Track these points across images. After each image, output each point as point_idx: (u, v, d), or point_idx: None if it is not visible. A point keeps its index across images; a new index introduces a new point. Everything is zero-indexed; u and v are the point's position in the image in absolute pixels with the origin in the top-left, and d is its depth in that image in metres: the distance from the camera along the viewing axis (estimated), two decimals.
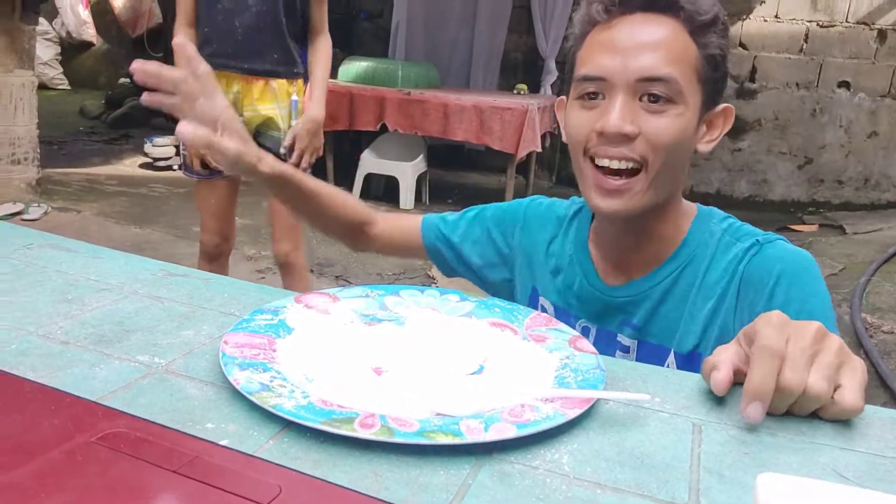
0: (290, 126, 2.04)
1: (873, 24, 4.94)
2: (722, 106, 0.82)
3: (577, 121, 0.79)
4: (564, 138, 0.84)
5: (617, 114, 0.74)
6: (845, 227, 4.28)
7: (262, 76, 1.99)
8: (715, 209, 0.88)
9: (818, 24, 5.04)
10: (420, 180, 4.84)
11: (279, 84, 2.02)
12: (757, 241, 0.81)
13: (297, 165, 2.03)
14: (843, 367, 0.53)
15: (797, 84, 5.15)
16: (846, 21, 4.98)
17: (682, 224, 0.85)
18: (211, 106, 0.73)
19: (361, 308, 0.69)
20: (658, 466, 0.46)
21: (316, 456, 0.45)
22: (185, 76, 0.73)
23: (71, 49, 8.85)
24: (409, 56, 5.95)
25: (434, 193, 5.02)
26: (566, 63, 0.84)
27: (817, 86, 5.11)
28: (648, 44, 0.74)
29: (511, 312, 0.69)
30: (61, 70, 8.77)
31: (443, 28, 6.07)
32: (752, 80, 5.23)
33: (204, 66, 0.74)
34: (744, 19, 5.15)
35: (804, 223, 4.70)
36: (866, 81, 5.01)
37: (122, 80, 8.00)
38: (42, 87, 5.21)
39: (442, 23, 6.04)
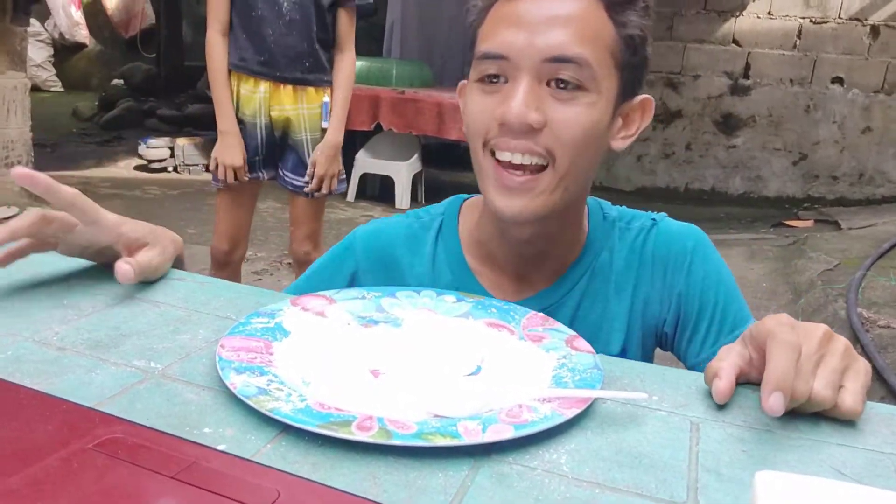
0: (318, 129, 2.10)
1: (866, 19, 4.96)
2: (640, 97, 0.73)
3: (475, 107, 0.70)
4: (465, 128, 0.74)
5: (520, 100, 0.65)
6: (840, 223, 4.29)
7: (291, 83, 2.04)
8: (599, 199, 0.82)
9: (811, 21, 5.05)
10: (415, 180, 4.84)
11: (307, 90, 2.07)
12: (652, 219, 0.80)
13: (318, 191, 2.11)
14: (847, 370, 0.53)
15: (791, 80, 5.16)
16: (839, 17, 5.00)
17: (585, 224, 0.80)
18: (96, 231, 0.67)
19: (358, 310, 0.69)
20: (656, 465, 0.46)
21: (314, 459, 0.44)
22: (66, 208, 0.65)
23: (64, 50, 8.82)
24: (404, 55, 5.94)
25: (429, 192, 5.02)
26: (469, 39, 0.74)
27: (811, 82, 5.13)
28: (558, 19, 0.65)
29: (507, 313, 0.69)
30: (54, 72, 8.75)
31: (437, 27, 6.07)
32: (746, 76, 5.24)
33: (70, 193, 0.66)
34: (737, 16, 5.16)
35: (799, 219, 4.72)
36: (860, 77, 5.03)
37: (116, 81, 7.99)
38: (35, 89, 5.18)
39: (436, 22, 6.04)
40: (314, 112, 2.09)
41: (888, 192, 5.14)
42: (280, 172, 2.16)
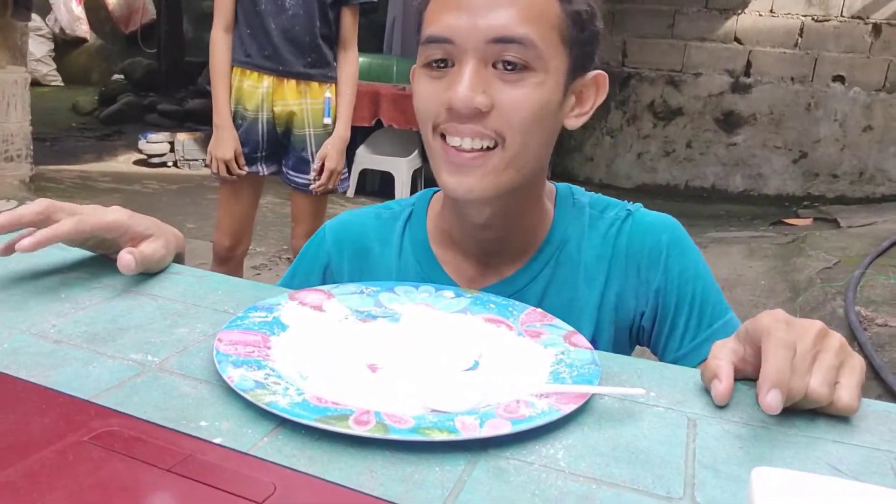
0: (320, 125, 2.11)
1: (868, 18, 4.95)
2: (592, 73, 0.71)
3: (423, 93, 0.69)
4: (416, 114, 0.73)
5: (466, 84, 0.64)
6: (840, 221, 4.29)
7: (294, 77, 2.05)
8: (572, 185, 0.82)
9: (813, 19, 5.05)
10: (415, 176, 4.83)
11: (311, 85, 2.08)
12: (627, 210, 0.79)
13: (325, 186, 2.13)
14: (843, 366, 0.53)
15: (792, 78, 5.16)
16: (841, 15, 4.99)
17: (549, 207, 0.78)
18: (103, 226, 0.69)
19: (356, 305, 0.69)
20: (653, 461, 0.46)
21: (311, 453, 0.44)
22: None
23: (64, 45, 8.81)
24: (405, 52, 5.94)
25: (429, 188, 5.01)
26: (416, 24, 0.73)
27: (812, 80, 5.13)
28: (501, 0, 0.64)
29: (506, 308, 0.69)
30: (54, 66, 8.74)
31: None
32: (747, 74, 5.24)
33: (87, 226, 0.68)
34: (739, 14, 5.15)
35: (799, 217, 4.72)
36: (861, 75, 5.03)
37: (116, 76, 7.98)
38: (35, 83, 5.18)
39: None
40: (317, 107, 2.10)
41: (888, 190, 5.13)
42: (283, 169, 2.17)
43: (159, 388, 0.51)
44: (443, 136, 0.69)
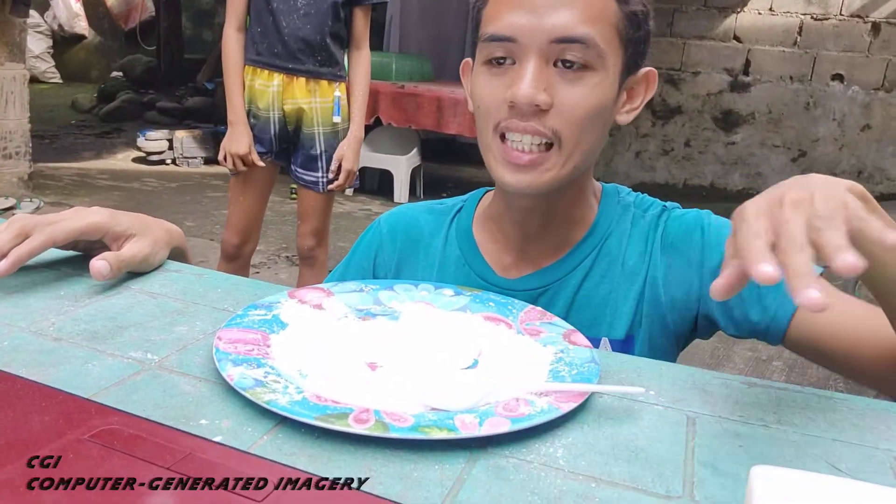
0: (329, 123, 2.12)
1: (867, 16, 4.95)
2: (644, 70, 0.73)
3: (484, 90, 0.71)
4: (471, 107, 0.76)
5: (528, 82, 0.66)
6: None
7: (304, 76, 2.07)
8: (619, 185, 0.83)
9: (812, 17, 5.05)
10: (414, 174, 4.83)
11: (320, 83, 2.10)
12: (664, 206, 0.80)
13: (342, 186, 2.15)
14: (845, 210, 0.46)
15: (791, 77, 5.16)
16: (840, 14, 4.99)
17: (593, 203, 0.80)
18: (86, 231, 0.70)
19: (355, 303, 0.69)
20: (652, 459, 0.46)
21: (310, 451, 0.44)
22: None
23: (63, 42, 8.79)
24: (403, 49, 5.93)
25: (428, 187, 5.02)
26: (472, 21, 0.75)
27: (811, 79, 5.12)
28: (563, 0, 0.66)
29: (505, 306, 0.69)
30: (53, 63, 8.72)
31: (437, 21, 6.05)
32: (746, 73, 5.23)
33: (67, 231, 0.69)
34: (738, 12, 5.15)
35: None
36: (860, 74, 5.03)
37: (115, 73, 7.96)
38: (33, 80, 5.17)
39: (436, 16, 6.03)
40: (327, 106, 2.11)
41: (886, 189, 5.14)
42: (291, 167, 2.18)
43: (159, 386, 0.51)
44: (502, 137, 0.70)
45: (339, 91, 2.12)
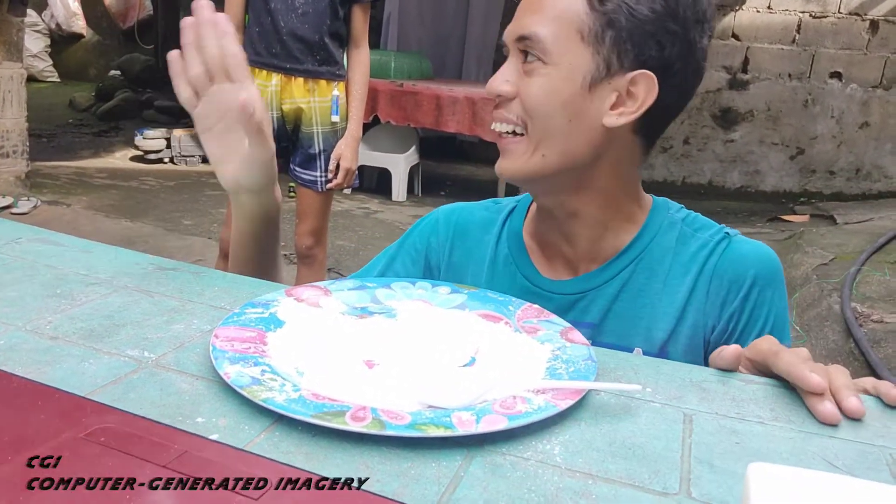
0: (328, 123, 2.12)
1: (865, 14, 4.95)
2: (635, 73, 0.71)
3: None
4: None
5: (498, 74, 0.75)
6: (836, 218, 4.29)
7: (302, 75, 2.06)
8: (670, 200, 0.85)
9: (811, 15, 5.05)
10: (412, 172, 4.83)
11: (319, 83, 2.09)
12: (726, 233, 0.80)
13: (341, 185, 2.15)
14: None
15: (789, 75, 5.16)
16: (838, 12, 4.99)
17: (637, 215, 0.81)
18: (233, 93, 0.70)
19: (353, 301, 0.69)
20: (649, 457, 0.46)
21: (307, 449, 0.44)
22: (223, 46, 0.71)
23: (60, 41, 8.77)
24: (402, 47, 5.92)
25: (426, 185, 5.01)
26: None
27: (809, 77, 5.13)
28: (531, 5, 0.74)
29: (503, 304, 0.69)
30: (51, 62, 8.70)
31: (436, 19, 6.04)
32: (745, 71, 5.24)
33: (237, 49, 0.72)
34: (736, 10, 5.15)
35: (795, 213, 4.72)
36: (858, 72, 5.03)
37: (113, 72, 7.95)
38: (31, 79, 5.16)
39: (435, 14, 6.02)
40: (325, 105, 2.11)
41: (884, 187, 5.14)
42: (290, 166, 2.18)
43: (156, 384, 0.51)
44: None
45: (337, 90, 2.12)
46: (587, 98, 0.72)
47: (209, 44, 0.70)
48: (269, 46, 2.02)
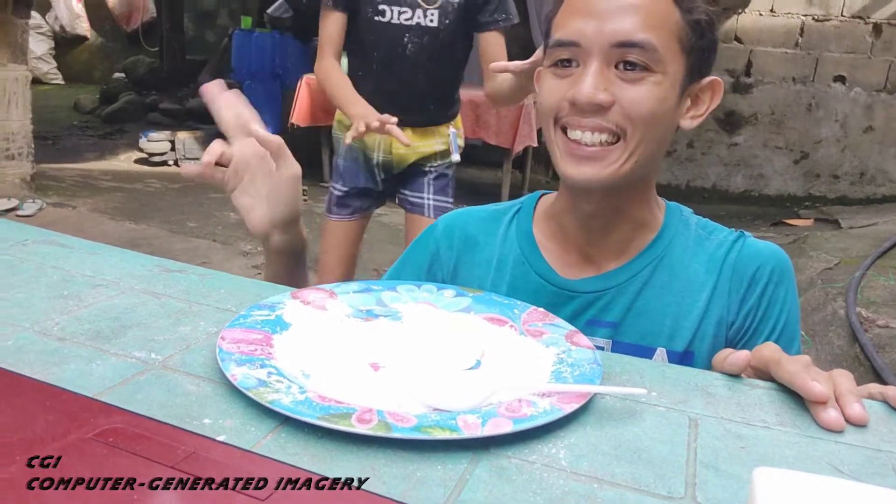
0: (446, 161, 1.91)
1: (869, 18, 4.95)
2: (708, 79, 0.77)
3: (548, 89, 0.75)
4: (538, 108, 0.80)
5: (590, 82, 0.70)
6: (840, 222, 4.29)
7: (416, 126, 1.81)
8: (682, 205, 0.86)
9: (814, 19, 5.04)
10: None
11: (436, 128, 1.88)
12: (741, 233, 0.82)
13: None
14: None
15: (793, 78, 5.15)
16: (842, 15, 4.98)
17: (657, 212, 0.82)
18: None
19: (358, 303, 0.69)
20: (655, 461, 0.46)
21: (313, 451, 0.45)
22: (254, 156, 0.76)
23: (65, 43, 8.80)
24: None
25: None
26: (543, 32, 0.80)
27: (813, 80, 5.12)
28: (626, 7, 0.70)
29: (508, 307, 0.69)
30: (55, 64, 8.73)
31: None
32: (748, 74, 5.23)
33: (274, 141, 0.76)
34: (739, 13, 5.15)
35: (800, 218, 4.71)
36: (862, 76, 5.02)
37: (117, 74, 7.96)
38: (36, 81, 5.18)
39: None
40: (444, 148, 1.89)
41: (889, 191, 5.13)
42: (399, 191, 1.96)
43: (163, 385, 0.51)
44: (563, 130, 0.74)
45: (453, 127, 1.89)
46: (679, 105, 0.75)
47: (222, 115, 0.77)
48: (375, 97, 1.71)
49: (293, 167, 0.78)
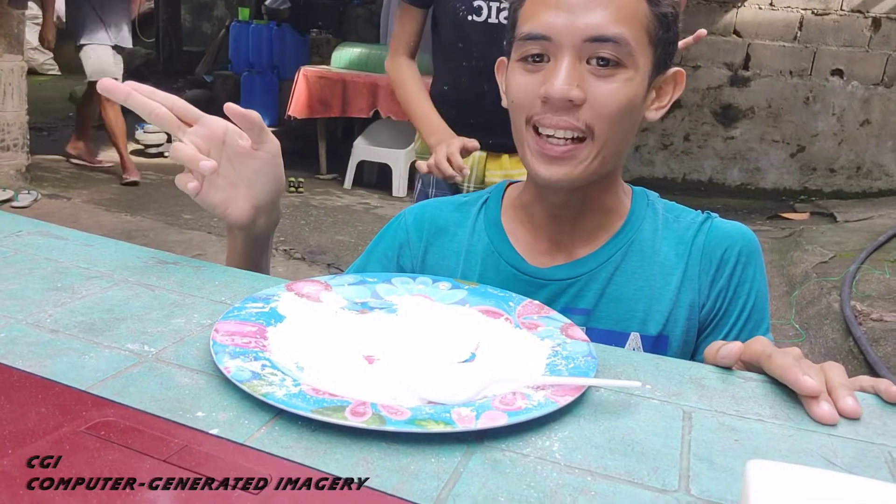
0: None
1: (867, 11, 4.94)
2: (672, 70, 0.77)
3: (519, 86, 0.74)
4: (505, 103, 0.79)
5: (563, 78, 0.69)
6: (836, 216, 4.30)
7: (512, 151, 1.53)
8: (647, 190, 0.86)
9: (813, 12, 5.04)
10: (413, 167, 4.82)
11: None
12: (709, 214, 0.83)
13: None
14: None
15: (791, 72, 5.15)
16: (840, 9, 4.98)
17: (624, 199, 0.82)
18: (205, 126, 0.72)
19: (353, 296, 0.69)
20: (648, 453, 0.46)
21: (307, 444, 0.44)
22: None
23: (61, 34, 8.75)
24: None
25: None
26: (508, 21, 0.79)
27: (811, 74, 5.12)
28: (597, 0, 0.69)
29: (503, 300, 0.69)
30: (51, 55, 8.67)
31: None
32: (746, 67, 5.22)
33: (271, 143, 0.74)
34: (738, 7, 5.14)
35: (796, 211, 4.72)
36: (860, 69, 5.02)
37: None
38: (31, 72, 5.14)
39: None
40: None
41: (885, 185, 5.14)
42: None
43: (156, 378, 0.51)
44: (535, 129, 0.73)
45: None
46: (646, 98, 0.75)
47: (154, 109, 0.70)
48: (465, 115, 1.51)
49: (274, 142, 0.75)
